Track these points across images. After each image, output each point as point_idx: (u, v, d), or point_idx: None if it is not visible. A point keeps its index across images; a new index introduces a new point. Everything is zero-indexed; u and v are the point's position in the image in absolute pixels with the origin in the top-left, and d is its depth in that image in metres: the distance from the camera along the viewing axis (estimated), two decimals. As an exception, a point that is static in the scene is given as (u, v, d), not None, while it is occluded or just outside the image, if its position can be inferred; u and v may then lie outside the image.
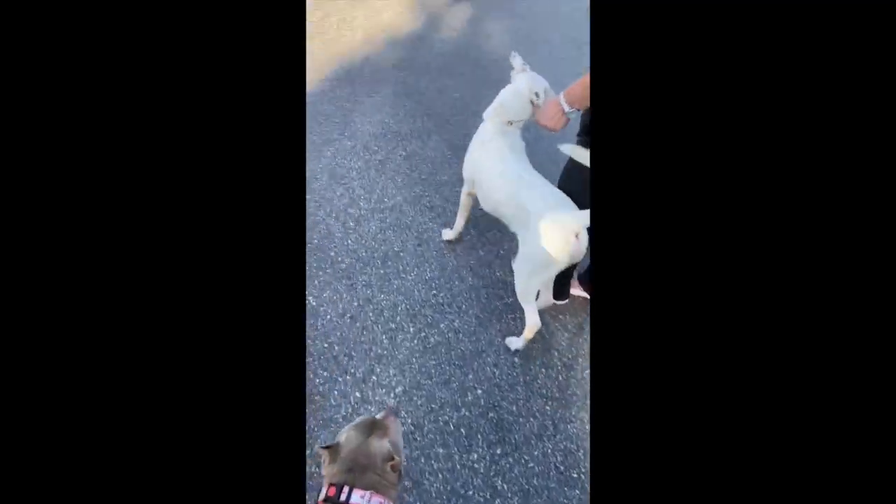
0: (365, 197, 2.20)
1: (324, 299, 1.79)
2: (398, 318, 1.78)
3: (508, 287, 1.89)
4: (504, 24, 3.67)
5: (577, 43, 3.55)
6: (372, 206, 2.16)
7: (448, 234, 2.05)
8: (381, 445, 0.93)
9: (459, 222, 2.00)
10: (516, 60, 1.77)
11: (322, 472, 0.93)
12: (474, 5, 3.86)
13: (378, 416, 1.01)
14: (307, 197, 2.14)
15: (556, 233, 1.48)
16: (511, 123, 1.71)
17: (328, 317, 1.74)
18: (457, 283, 1.92)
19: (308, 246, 1.96)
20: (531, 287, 1.64)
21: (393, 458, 0.91)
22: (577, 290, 1.94)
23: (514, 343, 1.73)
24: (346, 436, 0.95)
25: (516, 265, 1.65)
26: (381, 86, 2.87)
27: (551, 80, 1.71)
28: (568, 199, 1.54)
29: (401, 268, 1.94)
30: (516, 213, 1.60)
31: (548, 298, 1.81)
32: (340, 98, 2.72)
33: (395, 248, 2.01)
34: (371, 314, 1.77)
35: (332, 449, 0.92)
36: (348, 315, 1.76)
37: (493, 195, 1.69)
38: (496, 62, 3.16)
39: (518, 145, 1.76)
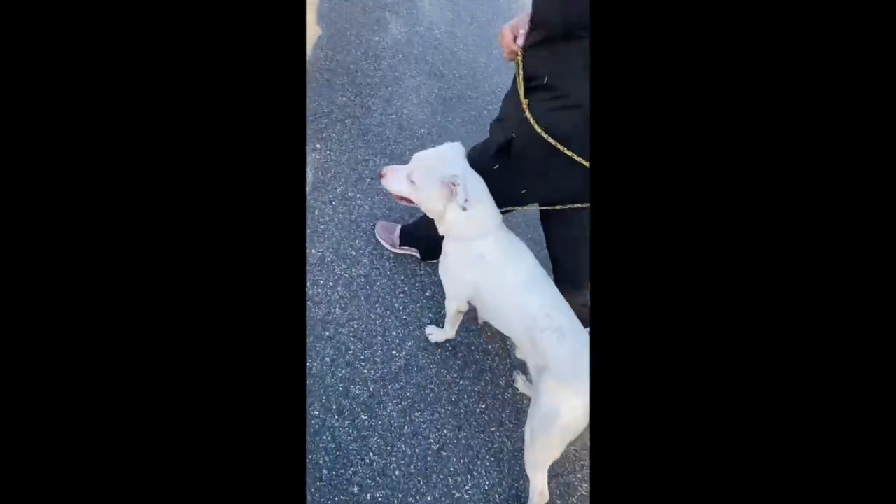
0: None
1: None
2: None
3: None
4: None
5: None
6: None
7: (437, 336, 1.64)
8: None
9: (450, 332, 1.62)
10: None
11: None
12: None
13: None
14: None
15: (583, 401, 1.18)
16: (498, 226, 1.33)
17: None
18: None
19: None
20: (546, 456, 1.29)
21: None
22: None
23: None
24: None
25: (529, 425, 1.29)
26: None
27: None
28: None
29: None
30: (535, 358, 1.31)
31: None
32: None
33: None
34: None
35: None
36: None
37: (506, 323, 1.38)
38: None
39: (521, 251, 1.34)
